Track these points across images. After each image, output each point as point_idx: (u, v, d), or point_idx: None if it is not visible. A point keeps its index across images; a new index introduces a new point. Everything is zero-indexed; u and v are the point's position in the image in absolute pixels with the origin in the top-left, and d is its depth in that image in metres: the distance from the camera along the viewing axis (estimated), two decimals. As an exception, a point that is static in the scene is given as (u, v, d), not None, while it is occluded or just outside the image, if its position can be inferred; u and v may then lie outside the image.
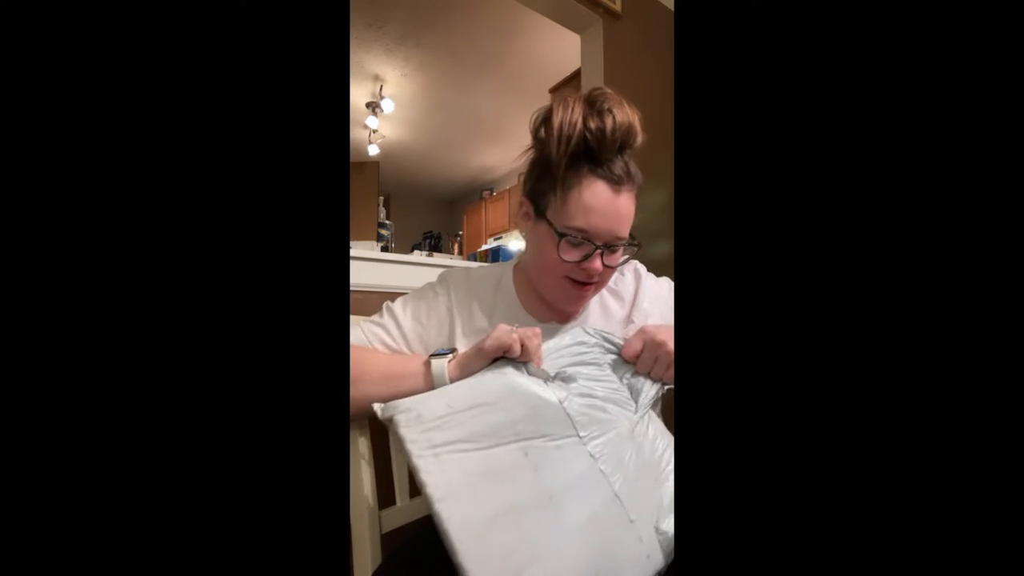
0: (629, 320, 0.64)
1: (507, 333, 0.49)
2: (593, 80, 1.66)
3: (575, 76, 2.26)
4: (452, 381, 0.50)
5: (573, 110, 0.52)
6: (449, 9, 2.45)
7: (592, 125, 0.51)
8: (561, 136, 0.51)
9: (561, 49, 2.62)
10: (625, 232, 0.55)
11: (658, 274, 0.73)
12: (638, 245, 0.59)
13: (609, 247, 0.55)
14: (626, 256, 0.60)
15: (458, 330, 0.61)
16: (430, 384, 0.51)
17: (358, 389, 0.53)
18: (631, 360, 0.54)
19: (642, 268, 0.70)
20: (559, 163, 0.52)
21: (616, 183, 0.53)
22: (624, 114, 0.52)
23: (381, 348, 0.60)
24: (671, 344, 0.52)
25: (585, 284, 0.57)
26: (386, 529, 0.67)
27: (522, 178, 0.61)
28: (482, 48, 2.78)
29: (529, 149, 0.57)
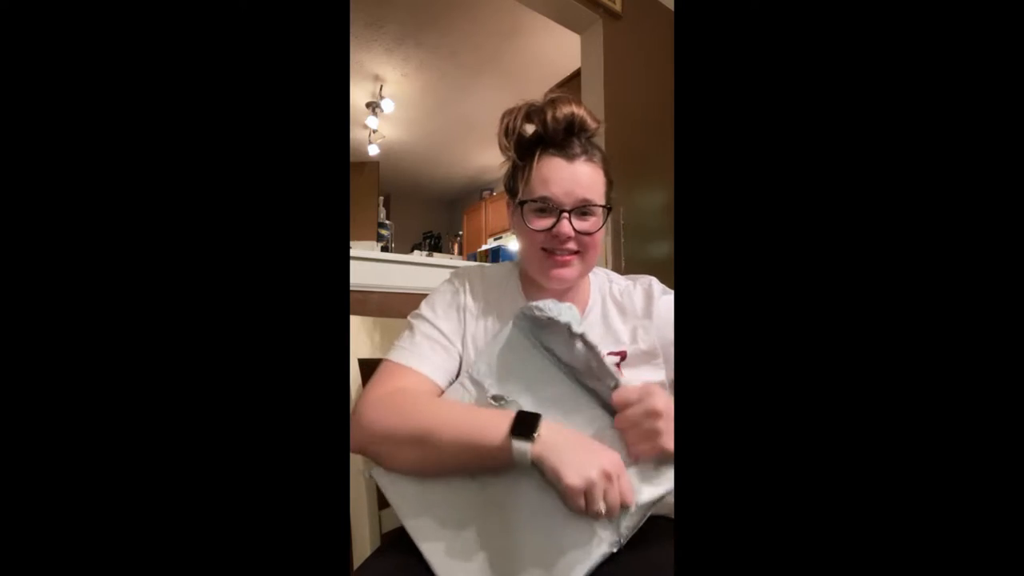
0: (634, 339, 0.64)
1: (599, 475, 0.45)
2: (593, 80, 1.66)
3: (575, 76, 2.25)
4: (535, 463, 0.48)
5: (519, 113, 0.60)
6: (449, 9, 2.45)
7: (535, 119, 0.59)
8: (509, 132, 0.60)
9: (561, 49, 2.63)
10: (589, 196, 0.59)
11: (659, 274, 0.73)
12: (608, 208, 0.63)
13: (576, 212, 0.59)
14: (604, 220, 0.63)
15: (467, 319, 0.63)
16: (511, 464, 0.48)
17: (433, 450, 0.51)
18: (618, 407, 0.50)
19: (657, 286, 0.68)
20: (511, 151, 0.60)
21: (570, 156, 0.59)
22: (567, 106, 0.59)
23: (434, 358, 0.60)
24: (663, 423, 0.47)
25: (563, 255, 0.60)
26: (386, 529, 0.67)
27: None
28: (482, 48, 2.78)
29: (504, 161, 0.64)
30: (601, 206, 0.61)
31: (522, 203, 0.60)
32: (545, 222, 0.59)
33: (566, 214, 0.58)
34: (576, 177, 0.59)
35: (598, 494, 0.44)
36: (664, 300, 0.66)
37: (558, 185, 0.58)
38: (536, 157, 0.60)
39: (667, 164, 1.64)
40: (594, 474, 0.44)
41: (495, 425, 0.49)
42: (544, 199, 0.59)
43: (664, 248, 1.66)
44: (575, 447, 0.47)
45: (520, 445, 0.47)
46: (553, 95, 0.61)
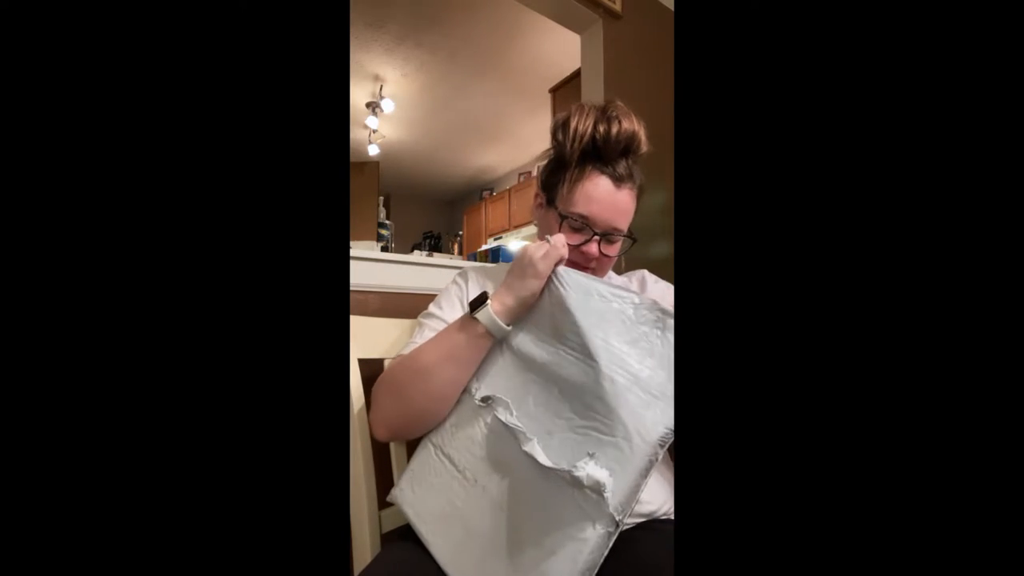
0: None
1: (555, 248, 0.54)
2: (593, 80, 1.66)
3: (575, 76, 2.25)
4: (506, 323, 0.55)
5: (588, 116, 0.61)
6: (449, 9, 2.45)
7: (601, 128, 0.60)
8: (575, 136, 0.60)
9: (561, 49, 2.62)
10: (622, 225, 0.62)
11: (659, 274, 0.75)
12: (634, 239, 0.66)
13: (607, 237, 0.62)
14: (624, 250, 0.66)
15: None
16: (489, 338, 0.55)
17: (430, 379, 0.56)
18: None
19: (649, 277, 0.75)
20: (571, 158, 0.61)
21: (618, 180, 0.61)
22: (630, 123, 0.60)
23: None
24: None
25: (584, 268, 0.62)
26: (386, 529, 0.67)
27: (539, 173, 0.69)
28: (482, 48, 2.78)
29: (548, 149, 0.66)
30: (626, 236, 0.64)
31: (562, 216, 0.61)
32: (576, 237, 0.61)
33: (597, 237, 0.61)
34: (617, 205, 0.61)
35: (562, 251, 0.54)
36: (650, 282, 0.72)
37: (600, 208, 0.60)
38: (587, 169, 0.61)
39: (667, 164, 1.63)
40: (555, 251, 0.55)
41: (458, 322, 0.57)
42: (583, 217, 0.60)
43: (664, 248, 1.66)
44: (512, 267, 0.56)
45: (482, 314, 0.54)
46: (617, 107, 0.62)
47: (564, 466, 0.47)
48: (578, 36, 1.74)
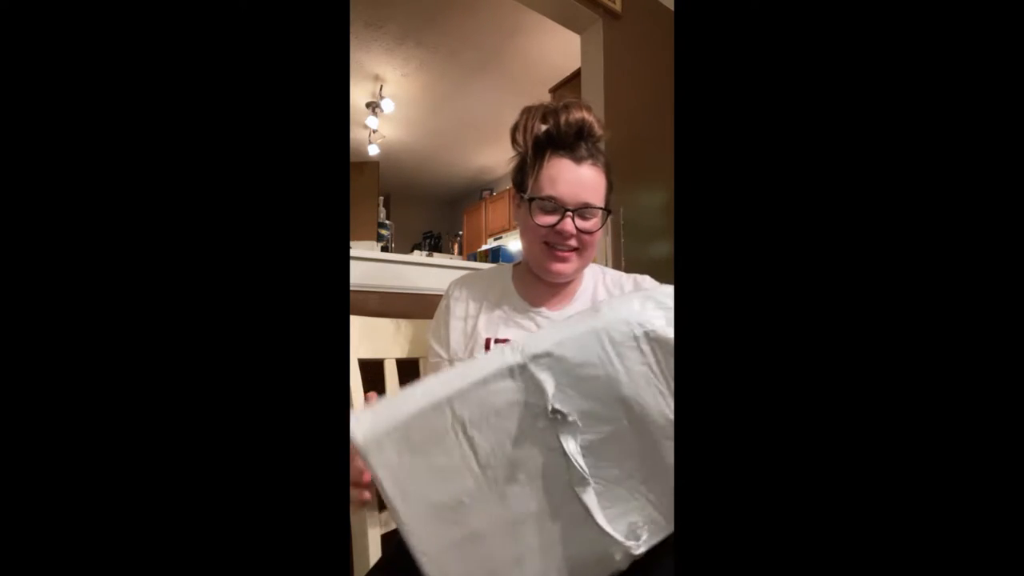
0: None
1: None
2: (593, 80, 1.66)
3: (575, 76, 2.25)
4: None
5: (536, 112, 0.65)
6: (449, 9, 2.45)
7: (550, 119, 0.64)
8: (528, 131, 0.64)
9: (561, 49, 2.62)
10: (592, 199, 0.64)
11: (659, 274, 0.74)
12: (609, 211, 0.67)
13: (579, 212, 0.63)
14: (603, 222, 0.67)
15: (453, 320, 0.70)
16: None
17: None
18: None
19: (649, 282, 0.74)
20: (527, 150, 0.65)
21: (578, 159, 0.63)
22: (579, 111, 0.63)
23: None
24: None
25: (564, 250, 0.65)
26: (386, 529, 0.67)
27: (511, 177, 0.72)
28: (482, 48, 2.79)
29: (514, 156, 0.69)
30: (602, 208, 0.65)
31: (530, 199, 0.63)
32: (550, 219, 0.63)
33: (569, 213, 0.62)
34: (581, 180, 0.63)
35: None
36: (647, 285, 0.73)
37: (565, 186, 0.62)
38: (546, 156, 0.63)
39: (667, 164, 1.63)
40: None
41: None
42: (551, 198, 0.62)
43: (664, 248, 1.66)
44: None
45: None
46: (567, 100, 0.65)
47: (628, 538, 0.45)
48: (578, 36, 1.74)
